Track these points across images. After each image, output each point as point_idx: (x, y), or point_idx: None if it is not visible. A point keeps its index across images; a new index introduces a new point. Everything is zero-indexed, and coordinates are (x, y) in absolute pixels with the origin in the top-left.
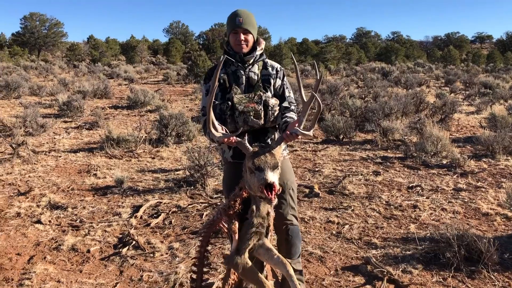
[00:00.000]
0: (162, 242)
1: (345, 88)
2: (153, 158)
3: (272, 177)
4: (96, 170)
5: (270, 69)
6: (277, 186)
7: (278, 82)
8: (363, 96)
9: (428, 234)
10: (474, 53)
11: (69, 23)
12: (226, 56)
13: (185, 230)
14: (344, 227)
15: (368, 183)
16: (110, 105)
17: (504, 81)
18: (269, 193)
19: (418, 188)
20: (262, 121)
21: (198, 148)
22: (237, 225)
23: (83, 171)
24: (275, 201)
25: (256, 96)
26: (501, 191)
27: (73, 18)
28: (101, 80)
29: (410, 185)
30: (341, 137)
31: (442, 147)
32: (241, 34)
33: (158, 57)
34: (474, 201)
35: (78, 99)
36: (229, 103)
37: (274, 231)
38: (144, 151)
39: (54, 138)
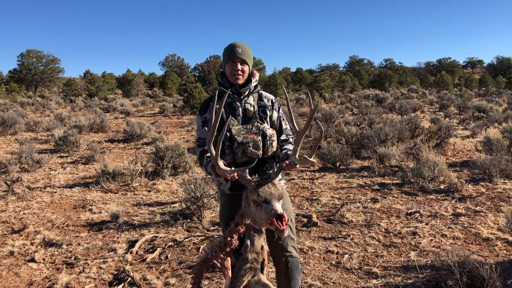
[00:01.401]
0: (158, 278)
1: (340, 116)
2: (149, 191)
3: (280, 207)
4: (92, 205)
5: (266, 100)
6: (286, 216)
7: (275, 114)
8: (358, 123)
9: (429, 262)
10: (466, 77)
11: (65, 59)
12: (221, 88)
13: (182, 264)
14: (343, 257)
15: (367, 210)
16: (107, 138)
17: (497, 105)
18: (280, 223)
19: (417, 214)
20: (261, 152)
21: (194, 179)
22: (229, 261)
23: (79, 206)
24: (287, 232)
25: (254, 127)
26: (501, 215)
27: (69, 53)
28: (97, 114)
29: (409, 211)
30: (337, 164)
31: (439, 172)
32: (238, 64)
33: (154, 90)
34: (473, 226)
35: (74, 134)
36: (228, 134)
37: (272, 264)
38: (140, 184)
39: (50, 173)
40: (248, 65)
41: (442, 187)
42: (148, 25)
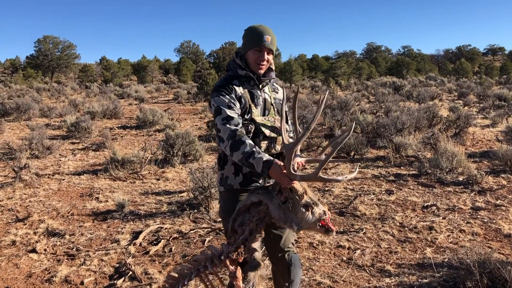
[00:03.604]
0: (160, 272)
1: (356, 104)
2: (158, 179)
3: None
4: (99, 194)
5: (280, 93)
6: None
7: (285, 107)
8: (375, 111)
9: (446, 259)
10: (486, 65)
11: (81, 45)
12: (248, 72)
13: (186, 258)
14: (355, 253)
15: (381, 203)
16: (119, 125)
17: None
18: (331, 224)
19: (434, 207)
20: (279, 147)
21: (202, 168)
22: (240, 271)
23: (85, 194)
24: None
25: (276, 121)
26: None
27: (86, 40)
28: (111, 100)
29: (425, 204)
30: (352, 154)
31: (457, 163)
32: (265, 54)
33: (169, 77)
34: (494, 221)
35: (87, 120)
36: (253, 125)
37: (270, 261)
38: (149, 172)
39: (60, 160)
40: (273, 54)
41: (460, 178)
42: (164, 11)
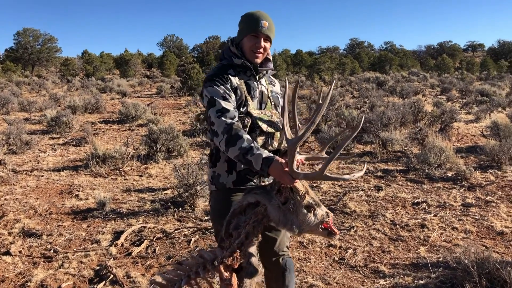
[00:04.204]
0: (143, 275)
1: (341, 99)
2: (141, 176)
3: None
4: (79, 191)
5: (277, 86)
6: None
7: (281, 102)
8: (359, 106)
9: (441, 259)
10: (467, 61)
11: (63, 38)
12: (245, 61)
13: (170, 260)
14: (347, 252)
15: (370, 199)
16: (101, 119)
17: (500, 89)
18: (334, 227)
19: (424, 204)
20: (276, 143)
21: (187, 165)
22: (235, 278)
23: (65, 191)
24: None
25: (273, 115)
26: None
27: (67, 33)
28: (93, 94)
29: (415, 201)
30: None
31: (445, 158)
32: (262, 41)
33: (153, 71)
34: (486, 218)
35: (67, 114)
36: (249, 118)
37: (263, 266)
38: (131, 168)
39: (39, 155)
40: (271, 43)
41: (449, 174)
42: (147, 4)
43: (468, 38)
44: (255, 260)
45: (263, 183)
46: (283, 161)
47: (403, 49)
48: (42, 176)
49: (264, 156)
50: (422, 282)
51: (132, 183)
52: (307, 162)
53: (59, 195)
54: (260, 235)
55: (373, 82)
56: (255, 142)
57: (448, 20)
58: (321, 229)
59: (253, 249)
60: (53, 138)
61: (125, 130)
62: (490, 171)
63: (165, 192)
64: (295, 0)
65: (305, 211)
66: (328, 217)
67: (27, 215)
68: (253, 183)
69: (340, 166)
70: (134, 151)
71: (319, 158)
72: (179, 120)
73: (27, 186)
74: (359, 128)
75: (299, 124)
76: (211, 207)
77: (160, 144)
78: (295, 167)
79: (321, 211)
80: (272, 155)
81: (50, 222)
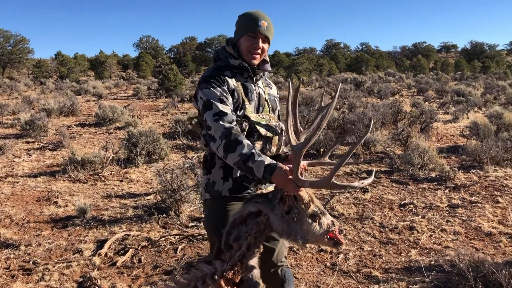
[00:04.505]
0: (130, 286)
1: (319, 99)
2: (121, 180)
3: None
4: (57, 198)
5: (274, 89)
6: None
7: (279, 106)
8: (338, 107)
9: (433, 262)
10: (442, 62)
11: (35, 40)
12: (242, 62)
13: (157, 269)
14: (338, 257)
15: (357, 201)
16: (77, 122)
17: (474, 89)
18: (339, 236)
19: (411, 205)
20: (275, 149)
21: (171, 169)
22: None
23: (43, 198)
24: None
25: (271, 119)
26: (499, 207)
27: (39, 34)
28: (68, 96)
29: (402, 202)
30: (321, 150)
31: (429, 159)
32: (260, 41)
33: (128, 72)
34: (473, 218)
35: (42, 118)
36: (247, 122)
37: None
38: (111, 173)
39: (13, 161)
40: (269, 44)
41: (433, 175)
42: (122, 5)
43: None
44: (256, 272)
45: (259, 190)
46: (287, 168)
47: (378, 50)
48: (17, 182)
49: (266, 163)
50: (416, 286)
51: (113, 188)
52: (310, 168)
53: (36, 203)
54: (261, 247)
55: (351, 82)
56: (256, 148)
57: (422, 21)
58: (326, 239)
59: (254, 261)
60: (27, 142)
61: (103, 133)
62: (473, 171)
63: (147, 197)
64: (269, 1)
65: (310, 221)
66: (334, 226)
67: (2, 225)
68: (250, 191)
69: (324, 168)
70: (114, 155)
71: (322, 164)
72: (158, 122)
73: (2, 193)
74: (368, 133)
75: (301, 128)
76: (205, 216)
77: (140, 148)
78: (300, 174)
79: (327, 220)
80: (275, 162)
81: (28, 231)
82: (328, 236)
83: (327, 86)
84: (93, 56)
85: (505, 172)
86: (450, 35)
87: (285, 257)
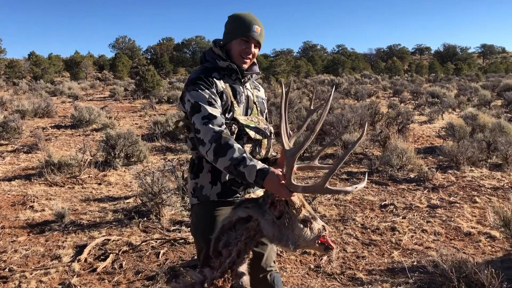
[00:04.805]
0: None
1: (298, 101)
2: (100, 184)
3: None
4: (33, 202)
5: (262, 92)
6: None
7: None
8: (314, 108)
9: (415, 263)
10: (416, 64)
11: (7, 39)
12: (231, 64)
13: (139, 275)
14: (322, 259)
15: (338, 203)
16: (53, 124)
17: (448, 90)
18: (330, 241)
19: (392, 206)
20: (264, 152)
21: (151, 172)
22: None
23: (18, 203)
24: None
25: (260, 121)
26: (477, 206)
27: (11, 34)
28: (43, 98)
29: (383, 203)
30: (301, 152)
31: (407, 160)
32: (252, 46)
33: (104, 73)
34: (452, 219)
35: (16, 119)
36: (236, 125)
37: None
38: (89, 176)
39: None
40: (260, 49)
41: (411, 176)
42: (97, 5)
43: (415, 42)
44: (246, 279)
45: (248, 195)
46: (279, 172)
47: (354, 52)
48: None
49: (258, 167)
50: None
51: (91, 191)
52: (299, 172)
53: (11, 207)
54: (251, 253)
55: (328, 84)
56: (247, 152)
57: (396, 23)
58: (317, 244)
59: (244, 268)
60: (0, 145)
61: (79, 135)
62: (450, 171)
63: (127, 201)
64: (244, 2)
65: (301, 226)
66: (325, 231)
67: None
68: (239, 195)
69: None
70: (91, 157)
71: (312, 168)
72: (136, 124)
73: None
74: (362, 137)
75: (290, 132)
76: (192, 222)
77: (118, 150)
78: (293, 179)
79: (318, 225)
80: (267, 166)
81: (3, 237)
82: (319, 241)
83: (305, 87)
84: (68, 56)
85: (481, 172)
86: (424, 37)
87: (274, 262)
